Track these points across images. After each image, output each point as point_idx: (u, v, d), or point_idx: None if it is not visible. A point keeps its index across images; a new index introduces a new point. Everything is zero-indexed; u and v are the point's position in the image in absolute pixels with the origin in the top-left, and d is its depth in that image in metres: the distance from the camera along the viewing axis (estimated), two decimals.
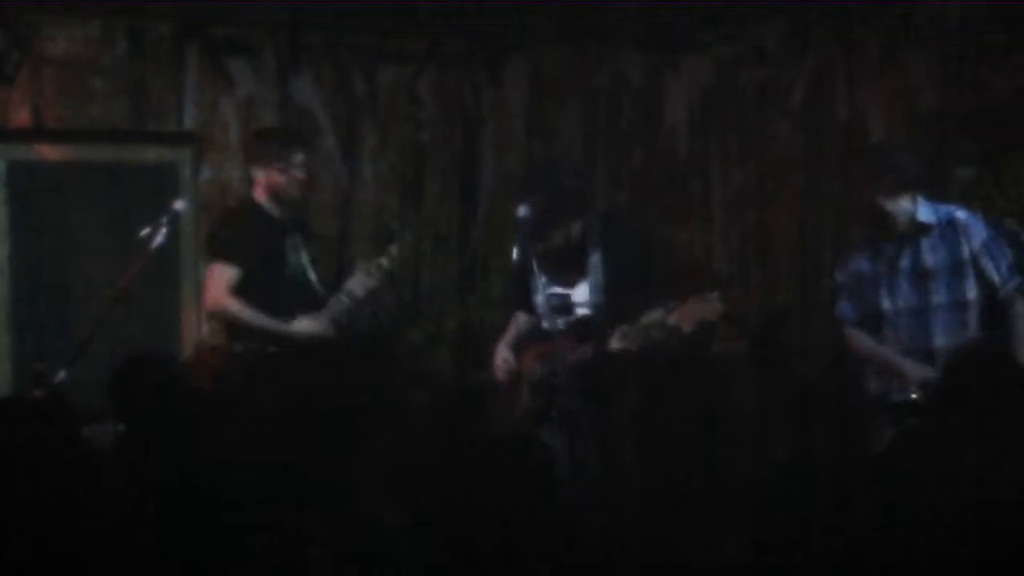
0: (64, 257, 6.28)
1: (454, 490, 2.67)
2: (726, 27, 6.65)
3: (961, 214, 5.02)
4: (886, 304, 5.04)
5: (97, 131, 6.33)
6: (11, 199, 6.21)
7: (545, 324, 5.27)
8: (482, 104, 7.14)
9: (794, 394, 6.20)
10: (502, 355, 5.47)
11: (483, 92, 7.15)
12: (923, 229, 4.98)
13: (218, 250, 5.44)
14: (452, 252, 7.13)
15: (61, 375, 4.99)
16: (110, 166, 6.38)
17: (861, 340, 5.12)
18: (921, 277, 4.99)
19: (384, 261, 5.68)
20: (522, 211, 5.15)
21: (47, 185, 6.27)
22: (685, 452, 6.18)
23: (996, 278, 4.97)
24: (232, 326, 5.39)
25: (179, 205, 5.33)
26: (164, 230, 5.23)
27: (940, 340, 4.94)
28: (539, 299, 5.24)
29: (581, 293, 5.29)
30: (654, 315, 5.04)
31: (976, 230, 4.99)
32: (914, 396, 4.84)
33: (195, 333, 6.30)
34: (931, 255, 4.98)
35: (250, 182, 5.62)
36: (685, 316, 5.01)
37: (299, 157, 5.54)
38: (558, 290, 5.30)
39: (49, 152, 6.30)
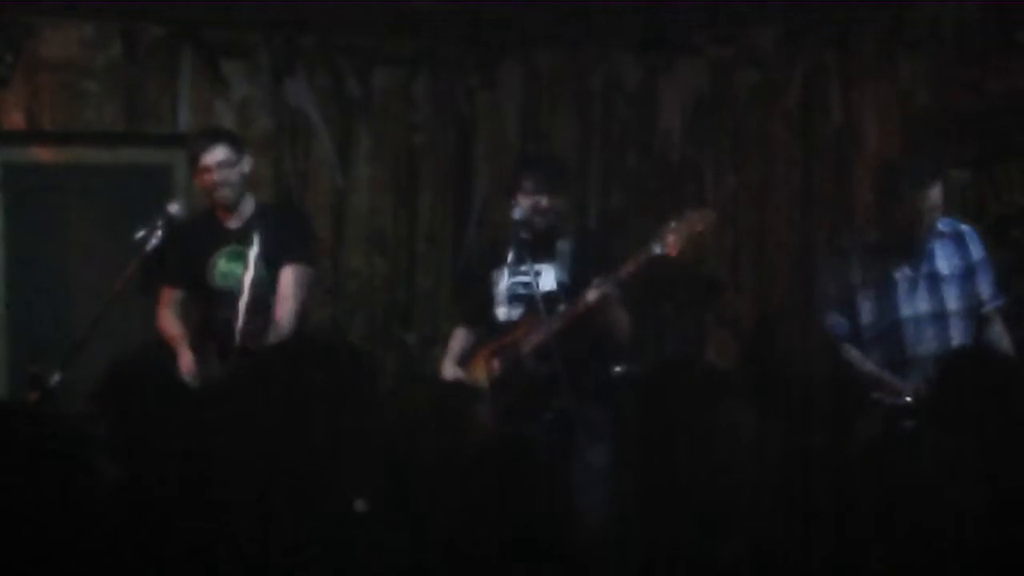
0: (59, 259, 6.28)
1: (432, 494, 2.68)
2: (721, 29, 6.66)
3: (964, 227, 5.06)
4: (904, 310, 5.01)
5: (92, 133, 6.33)
6: (6, 201, 6.21)
7: (506, 314, 5.22)
8: (476, 107, 7.15)
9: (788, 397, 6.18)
10: (449, 372, 5.35)
11: (477, 95, 7.16)
12: (940, 235, 5.01)
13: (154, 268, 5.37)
14: (446, 254, 7.14)
15: (56, 377, 4.98)
16: (105, 168, 6.38)
17: (848, 354, 5.08)
18: (935, 283, 5.00)
19: None
20: (518, 213, 5.16)
21: (42, 187, 6.26)
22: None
23: (984, 294, 5.03)
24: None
25: (174, 207, 5.31)
26: (159, 232, 5.22)
27: (954, 345, 4.95)
28: (502, 289, 5.21)
29: (548, 279, 5.21)
30: (635, 256, 4.92)
31: (975, 244, 5.04)
32: (908, 399, 4.85)
33: None
34: (944, 262, 5.00)
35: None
36: (671, 240, 4.85)
37: (209, 157, 5.32)
38: (523, 279, 5.18)
39: (44, 154, 6.30)
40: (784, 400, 3.51)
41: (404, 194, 7.03)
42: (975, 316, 5.03)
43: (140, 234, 5.22)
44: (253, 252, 5.24)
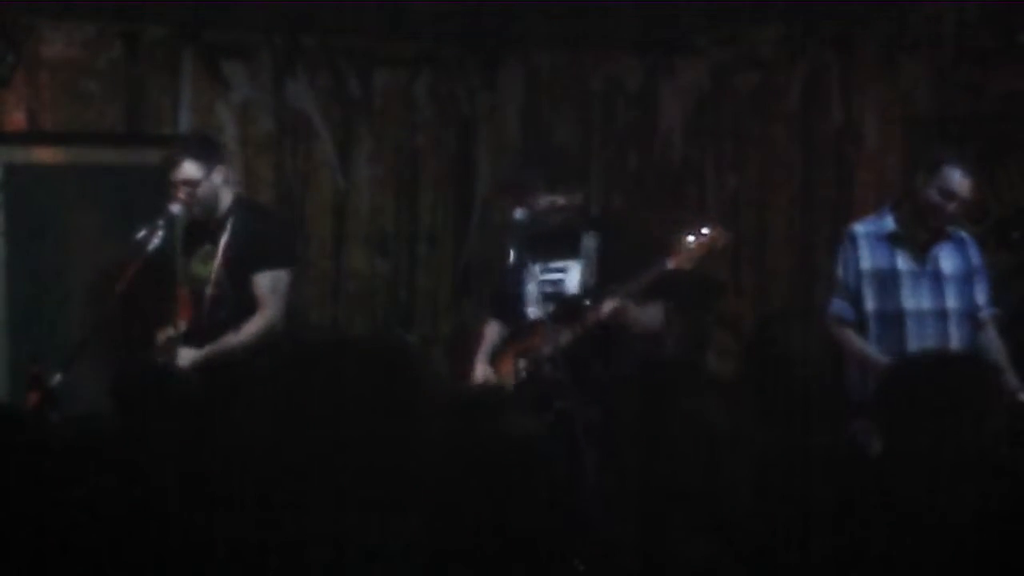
0: (60, 260, 6.28)
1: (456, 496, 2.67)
2: (721, 31, 6.66)
3: (964, 234, 5.11)
4: (908, 302, 5.02)
5: (93, 134, 6.33)
6: (7, 202, 6.21)
7: (536, 313, 5.22)
8: (477, 107, 7.15)
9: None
10: (479, 372, 5.37)
11: (478, 95, 7.16)
12: (947, 236, 5.04)
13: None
14: (447, 254, 7.14)
15: (57, 377, 4.99)
16: (106, 169, 6.38)
17: (852, 340, 5.11)
18: (939, 281, 5.01)
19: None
20: (519, 213, 5.15)
21: (42, 188, 6.26)
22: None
23: (979, 301, 5.09)
24: None
25: (175, 208, 5.31)
26: (160, 233, 5.22)
27: (954, 344, 4.97)
28: (531, 288, 5.22)
29: (573, 278, 5.25)
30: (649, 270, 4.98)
31: (974, 250, 5.10)
32: None
33: None
34: (948, 262, 5.02)
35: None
36: (686, 256, 4.94)
37: (177, 174, 5.29)
38: (551, 276, 5.23)
39: (45, 155, 6.30)
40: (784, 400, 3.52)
41: (405, 195, 7.03)
42: (972, 320, 5.07)
43: (141, 234, 5.22)
44: (220, 248, 5.27)
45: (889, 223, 5.09)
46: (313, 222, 6.81)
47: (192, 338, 5.34)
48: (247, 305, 5.29)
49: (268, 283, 5.32)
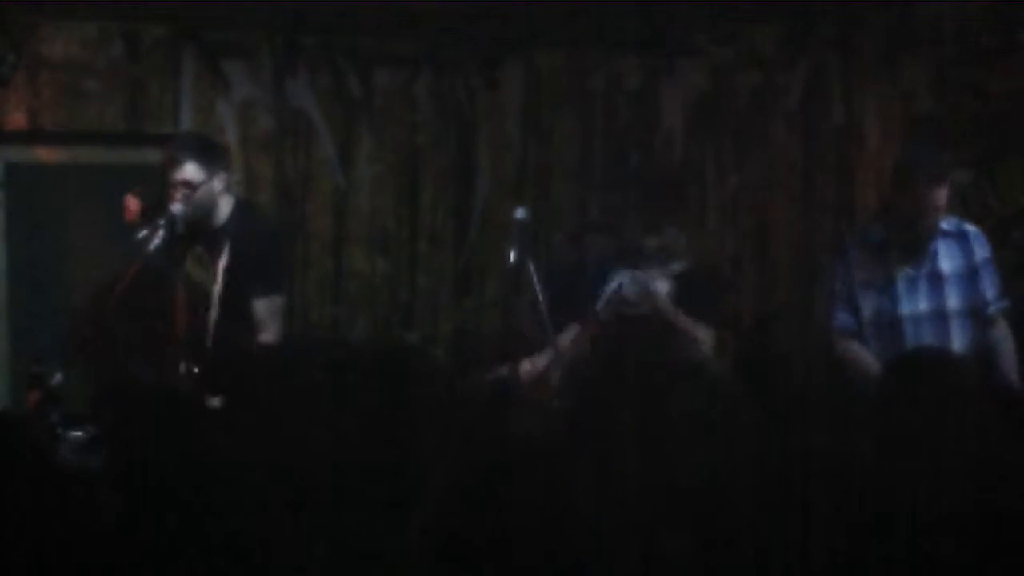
0: (61, 259, 6.28)
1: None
2: (722, 30, 6.66)
3: (970, 228, 5.06)
4: (904, 307, 5.01)
5: (94, 133, 6.33)
6: (8, 201, 6.21)
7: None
8: (478, 107, 7.15)
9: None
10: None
11: (479, 95, 7.16)
12: (944, 234, 5.01)
13: None
14: (448, 255, 7.14)
15: (57, 377, 4.98)
16: (107, 168, 6.38)
17: (856, 354, 5.09)
18: (937, 282, 5.00)
19: None
20: (519, 213, 5.15)
21: (43, 187, 6.26)
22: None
23: (988, 295, 5.03)
24: None
25: (176, 208, 5.28)
26: (161, 232, 5.20)
27: (955, 345, 4.95)
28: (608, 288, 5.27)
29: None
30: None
31: (980, 245, 5.04)
32: None
33: None
34: (947, 261, 5.01)
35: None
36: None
37: (177, 174, 5.19)
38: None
39: (46, 154, 6.30)
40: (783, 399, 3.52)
41: (405, 194, 7.03)
42: (978, 317, 5.04)
43: (142, 234, 5.21)
44: (221, 264, 5.14)
45: (879, 230, 5.09)
46: (313, 222, 6.81)
47: (189, 346, 5.30)
48: (246, 325, 5.19)
49: (268, 307, 5.23)
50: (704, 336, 5.18)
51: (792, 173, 6.51)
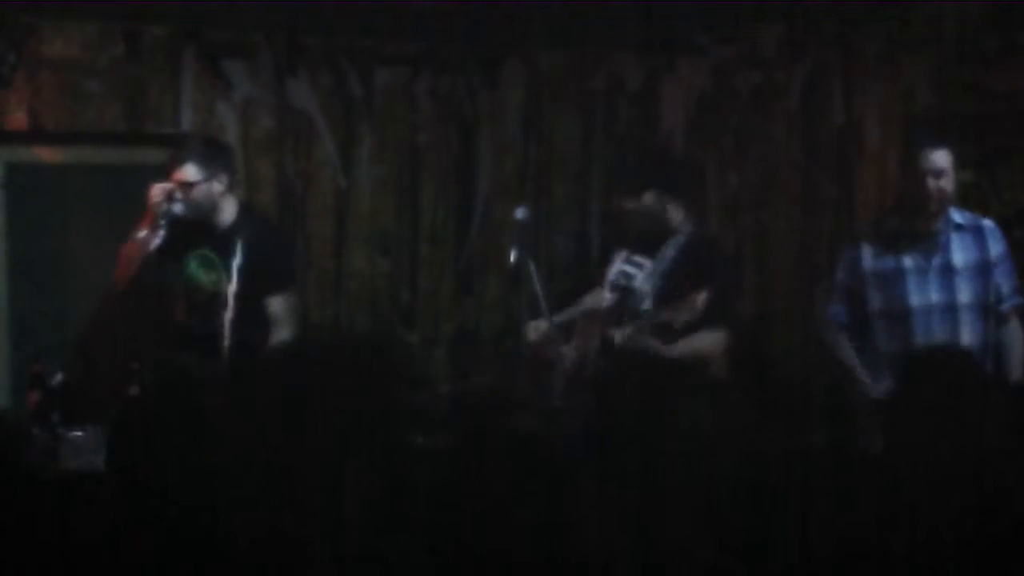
0: (60, 259, 6.28)
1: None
2: (722, 30, 6.66)
3: (987, 222, 5.07)
4: (915, 299, 5.01)
5: (94, 133, 6.33)
6: (8, 201, 6.21)
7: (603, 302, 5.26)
8: (479, 107, 7.15)
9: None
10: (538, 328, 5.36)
11: (479, 95, 7.16)
12: (958, 227, 5.02)
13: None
14: (448, 255, 7.14)
15: (58, 377, 4.99)
16: (107, 168, 6.38)
17: (841, 347, 5.11)
18: (949, 275, 5.00)
19: None
20: (519, 213, 5.16)
21: (44, 187, 6.27)
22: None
23: (1002, 291, 5.03)
24: None
25: (176, 208, 5.29)
26: (161, 232, 5.21)
27: (966, 339, 4.94)
28: (611, 273, 5.25)
29: (642, 278, 5.27)
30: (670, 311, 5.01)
31: (996, 240, 5.04)
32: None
33: None
34: (960, 254, 5.01)
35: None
36: (677, 311, 4.99)
37: (178, 174, 5.25)
38: (627, 268, 5.29)
39: (46, 154, 6.31)
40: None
41: (405, 194, 7.03)
42: (990, 312, 5.03)
43: (142, 234, 5.22)
44: (235, 264, 5.14)
45: (891, 221, 5.10)
46: (314, 222, 6.81)
47: (193, 341, 5.30)
48: (261, 324, 5.24)
49: (283, 305, 5.30)
50: (700, 301, 5.14)
51: (792, 173, 6.50)
